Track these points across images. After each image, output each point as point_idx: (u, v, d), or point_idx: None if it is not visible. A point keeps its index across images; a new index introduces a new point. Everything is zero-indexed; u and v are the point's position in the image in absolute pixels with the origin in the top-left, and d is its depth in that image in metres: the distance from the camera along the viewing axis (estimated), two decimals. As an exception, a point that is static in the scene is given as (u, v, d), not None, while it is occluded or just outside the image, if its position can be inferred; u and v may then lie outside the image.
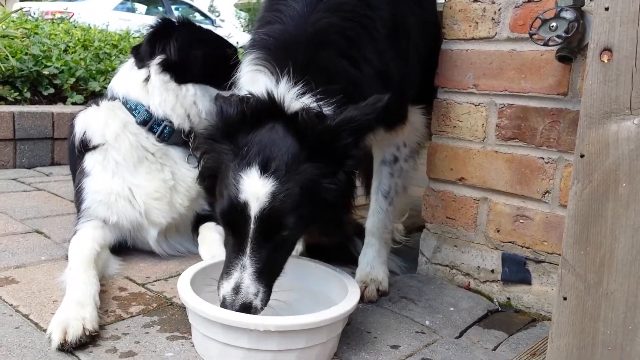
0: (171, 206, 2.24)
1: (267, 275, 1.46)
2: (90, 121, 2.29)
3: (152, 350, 1.50)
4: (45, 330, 1.54)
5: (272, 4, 1.74)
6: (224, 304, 1.41)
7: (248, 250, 1.42)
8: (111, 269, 2.05)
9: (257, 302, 1.42)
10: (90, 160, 2.22)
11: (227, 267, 1.45)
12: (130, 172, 2.21)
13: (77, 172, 2.29)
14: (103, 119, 2.28)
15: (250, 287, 1.41)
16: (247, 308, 1.40)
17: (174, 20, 2.38)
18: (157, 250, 2.23)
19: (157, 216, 2.20)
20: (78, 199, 2.23)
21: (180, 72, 2.30)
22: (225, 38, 2.55)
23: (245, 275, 1.42)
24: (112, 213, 2.14)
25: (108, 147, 2.22)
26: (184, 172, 2.30)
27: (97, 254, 1.97)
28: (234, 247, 1.45)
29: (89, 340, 1.48)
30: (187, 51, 2.32)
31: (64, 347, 1.44)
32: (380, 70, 1.69)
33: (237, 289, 1.41)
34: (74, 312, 1.54)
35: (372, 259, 2.05)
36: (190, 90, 2.32)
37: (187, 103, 2.31)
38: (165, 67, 2.28)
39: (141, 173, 2.23)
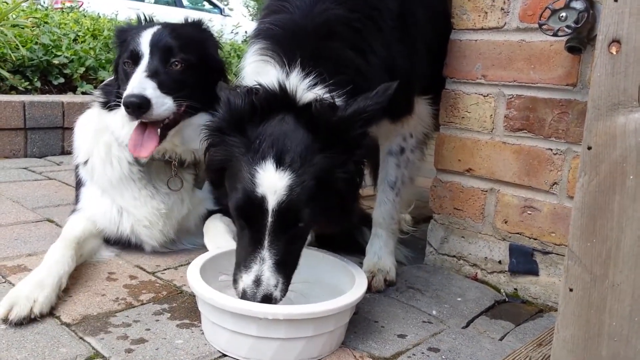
0: (162, 233, 2.14)
1: (285, 266, 1.47)
2: (79, 132, 2.25)
3: (162, 337, 1.52)
4: (58, 317, 1.57)
5: None
6: (244, 297, 1.42)
7: (266, 243, 1.44)
8: (102, 255, 2.07)
9: (277, 293, 1.44)
10: (82, 172, 2.19)
11: (246, 260, 1.45)
12: (118, 192, 2.11)
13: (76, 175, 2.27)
14: (88, 127, 2.21)
15: (270, 279, 1.43)
16: (268, 299, 1.42)
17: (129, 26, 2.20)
18: (160, 250, 2.18)
19: (147, 241, 2.14)
20: (76, 196, 2.23)
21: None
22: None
23: (265, 267, 1.43)
24: (104, 225, 2.11)
25: (91, 164, 2.15)
26: (173, 198, 2.16)
27: (85, 238, 1.99)
28: (252, 240, 1.46)
29: (38, 319, 1.55)
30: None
31: (6, 323, 1.50)
32: (386, 61, 1.69)
33: (258, 282, 1.42)
34: (28, 292, 1.58)
35: (379, 249, 2.07)
36: (118, 123, 2.07)
37: (122, 134, 2.08)
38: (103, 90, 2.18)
39: (128, 197, 2.11)
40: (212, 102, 2.05)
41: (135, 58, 2.02)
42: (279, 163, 1.42)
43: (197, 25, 2.26)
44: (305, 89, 1.50)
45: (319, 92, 1.50)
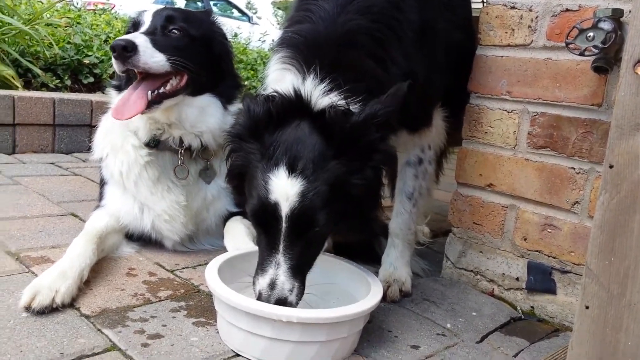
0: (184, 226, 2.16)
1: (301, 270, 1.50)
2: (99, 131, 2.28)
3: (178, 334, 1.54)
4: (78, 309, 1.61)
5: (302, 4, 1.77)
6: (260, 299, 1.45)
7: (281, 248, 1.46)
8: (122, 250, 2.11)
9: (292, 298, 1.46)
10: (104, 171, 2.22)
11: (262, 264, 1.49)
12: (132, 184, 2.11)
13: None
14: (106, 126, 2.24)
15: (285, 283, 1.45)
16: (282, 302, 1.44)
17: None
18: (179, 249, 2.20)
19: (169, 236, 2.16)
20: (100, 193, 2.27)
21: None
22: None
23: (280, 272, 1.45)
24: (128, 221, 2.14)
25: (105, 160, 2.19)
26: (190, 189, 2.18)
27: (106, 233, 2.03)
28: (268, 245, 1.49)
29: (60, 308, 1.59)
30: None
31: (28, 311, 1.54)
32: (405, 71, 1.71)
33: (272, 285, 1.45)
34: (51, 282, 1.62)
35: (395, 260, 2.07)
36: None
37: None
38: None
39: (144, 191, 2.12)
40: (217, 85, 2.14)
41: (136, 26, 2.09)
42: (291, 170, 1.43)
43: (206, 12, 2.37)
44: (320, 94, 1.52)
45: (334, 98, 1.52)
